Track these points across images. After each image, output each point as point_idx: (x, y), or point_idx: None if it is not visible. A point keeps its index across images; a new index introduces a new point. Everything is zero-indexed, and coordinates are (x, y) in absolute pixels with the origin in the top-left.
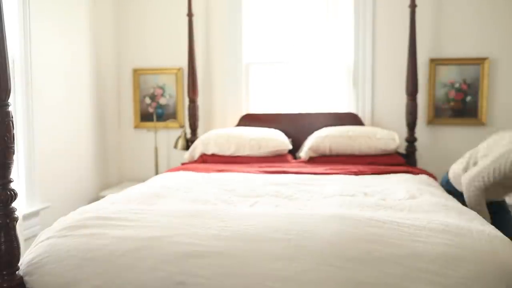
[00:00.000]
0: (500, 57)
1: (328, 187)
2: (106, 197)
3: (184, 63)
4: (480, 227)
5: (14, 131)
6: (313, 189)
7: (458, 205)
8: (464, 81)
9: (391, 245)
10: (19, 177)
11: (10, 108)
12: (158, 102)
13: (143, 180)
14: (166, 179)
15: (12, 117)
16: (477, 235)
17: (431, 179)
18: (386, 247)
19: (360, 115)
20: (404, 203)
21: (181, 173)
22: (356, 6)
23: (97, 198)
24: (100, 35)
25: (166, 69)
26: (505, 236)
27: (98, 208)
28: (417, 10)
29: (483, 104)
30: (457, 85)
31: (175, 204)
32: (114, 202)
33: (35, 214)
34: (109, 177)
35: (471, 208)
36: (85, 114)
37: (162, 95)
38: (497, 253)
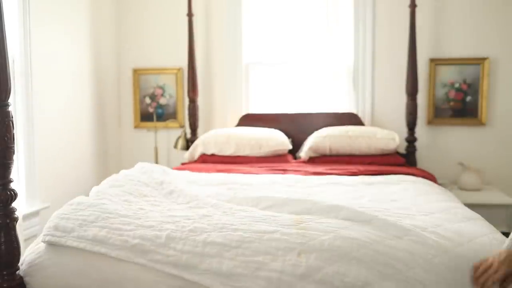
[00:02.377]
0: (501, 57)
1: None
2: (102, 188)
3: (184, 63)
4: (498, 235)
5: (14, 131)
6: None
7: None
8: (464, 81)
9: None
10: (19, 177)
11: (10, 108)
12: (158, 102)
13: None
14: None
15: (12, 117)
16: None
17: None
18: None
19: (360, 115)
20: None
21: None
22: (356, 6)
23: None
24: (100, 34)
25: (166, 69)
26: None
27: (96, 205)
28: (417, 10)
29: (483, 104)
30: (457, 85)
31: (174, 206)
32: (112, 198)
33: (35, 214)
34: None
35: None
36: (85, 114)
37: (162, 95)
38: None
